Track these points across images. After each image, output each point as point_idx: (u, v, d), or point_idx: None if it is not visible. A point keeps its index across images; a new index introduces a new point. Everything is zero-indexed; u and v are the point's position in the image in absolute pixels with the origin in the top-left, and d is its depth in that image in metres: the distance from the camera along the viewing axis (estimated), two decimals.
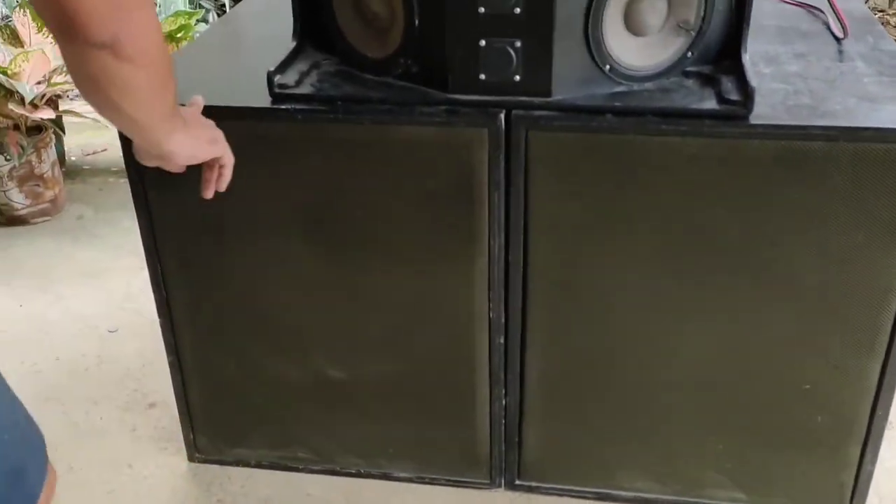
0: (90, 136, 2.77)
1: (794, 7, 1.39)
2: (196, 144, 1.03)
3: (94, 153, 2.74)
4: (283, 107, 1.11)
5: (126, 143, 1.14)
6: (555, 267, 1.15)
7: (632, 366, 1.20)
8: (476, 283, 1.17)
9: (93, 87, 0.84)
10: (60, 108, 2.26)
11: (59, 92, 2.25)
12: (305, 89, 1.13)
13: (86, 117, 2.17)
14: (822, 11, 1.35)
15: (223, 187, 1.11)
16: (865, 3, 2.64)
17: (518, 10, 1.02)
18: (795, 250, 1.07)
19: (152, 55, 0.84)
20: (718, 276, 1.11)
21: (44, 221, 2.25)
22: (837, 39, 1.25)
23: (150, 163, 1.05)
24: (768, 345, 1.15)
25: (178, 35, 2.35)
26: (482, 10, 1.03)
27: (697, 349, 1.17)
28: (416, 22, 1.08)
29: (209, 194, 1.11)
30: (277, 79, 1.13)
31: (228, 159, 1.09)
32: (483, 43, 1.05)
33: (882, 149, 0.99)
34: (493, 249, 1.14)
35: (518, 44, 1.05)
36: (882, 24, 2.54)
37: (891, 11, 2.67)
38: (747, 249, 1.08)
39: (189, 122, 1.02)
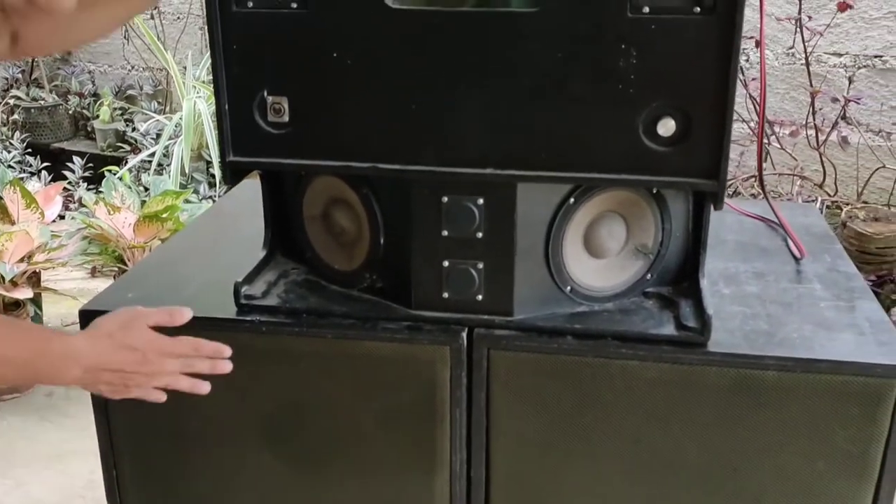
0: (69, 306, 2.78)
1: (754, 220, 1.44)
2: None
3: (73, 323, 2.74)
4: (249, 318, 1.12)
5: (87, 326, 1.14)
6: (517, 484, 1.13)
7: None
8: (437, 498, 1.14)
9: None
10: (42, 284, 2.28)
11: (40, 268, 2.28)
12: (272, 300, 1.14)
13: (65, 294, 2.19)
14: (781, 226, 1.39)
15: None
16: (825, 210, 2.74)
17: (480, 235, 1.06)
18: (758, 477, 1.06)
19: None
20: (683, 499, 1.09)
21: (12, 398, 2.22)
22: (796, 259, 1.28)
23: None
24: None
25: (164, 215, 2.41)
26: (445, 232, 1.06)
27: None
28: (382, 240, 1.11)
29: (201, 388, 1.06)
30: (244, 290, 1.14)
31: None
32: (446, 263, 1.08)
33: (838, 381, 0.99)
34: (455, 465, 1.12)
35: (480, 265, 1.07)
36: (850, 217, 2.61)
37: (858, 205, 2.77)
38: (710, 473, 1.07)
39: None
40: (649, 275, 1.12)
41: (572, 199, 1.05)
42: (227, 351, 1.07)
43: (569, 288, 1.10)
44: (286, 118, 1.05)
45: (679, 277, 1.14)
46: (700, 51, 0.94)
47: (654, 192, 1.07)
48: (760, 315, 1.11)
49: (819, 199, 2.84)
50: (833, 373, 0.99)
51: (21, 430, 2.08)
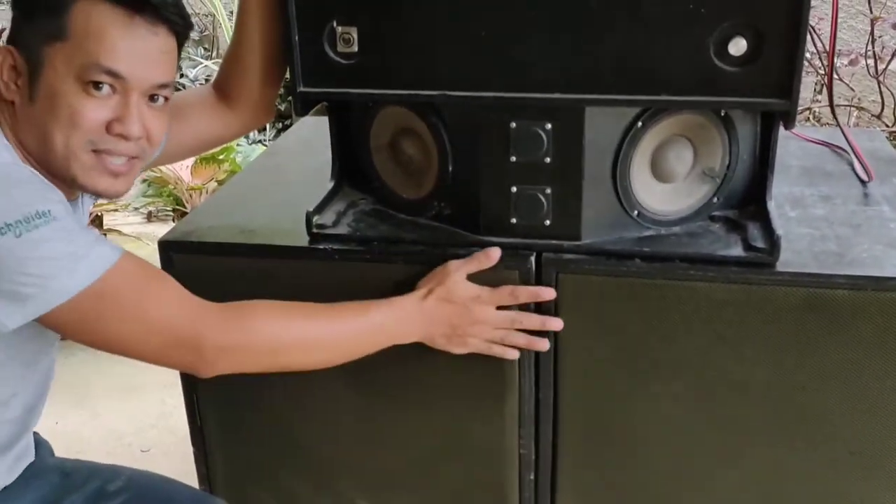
0: (132, 247, 2.85)
1: (818, 146, 1.42)
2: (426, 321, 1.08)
3: None
4: (321, 247, 1.15)
5: (165, 256, 1.19)
6: (585, 406, 1.16)
7: None
8: (507, 420, 1.18)
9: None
10: (105, 227, 2.34)
11: (103, 211, 2.34)
12: (342, 229, 1.17)
13: (129, 235, 2.25)
14: (846, 151, 1.38)
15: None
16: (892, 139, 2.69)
17: (548, 160, 1.07)
18: (826, 396, 1.07)
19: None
20: (750, 419, 1.11)
21: None
22: (863, 182, 1.27)
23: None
24: (802, 490, 1.13)
25: (220, 157, 2.44)
26: (514, 158, 1.08)
27: (730, 493, 1.15)
28: (450, 167, 1.12)
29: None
30: (316, 219, 1.17)
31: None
32: (515, 189, 1.09)
33: None
34: (524, 388, 1.15)
35: (548, 191, 1.08)
36: None
37: None
38: (778, 394, 1.08)
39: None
40: (716, 198, 1.13)
41: (640, 123, 1.06)
42: (547, 293, 1.08)
43: (636, 212, 1.11)
44: (355, 48, 1.06)
45: (746, 201, 1.14)
46: None
47: (722, 114, 1.07)
48: (829, 236, 1.11)
49: (877, 130, 2.78)
50: None
51: (93, 364, 2.17)
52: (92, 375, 2.12)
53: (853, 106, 2.87)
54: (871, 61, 2.74)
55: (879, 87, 2.77)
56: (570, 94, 1.03)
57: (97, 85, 0.96)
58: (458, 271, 1.07)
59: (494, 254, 1.07)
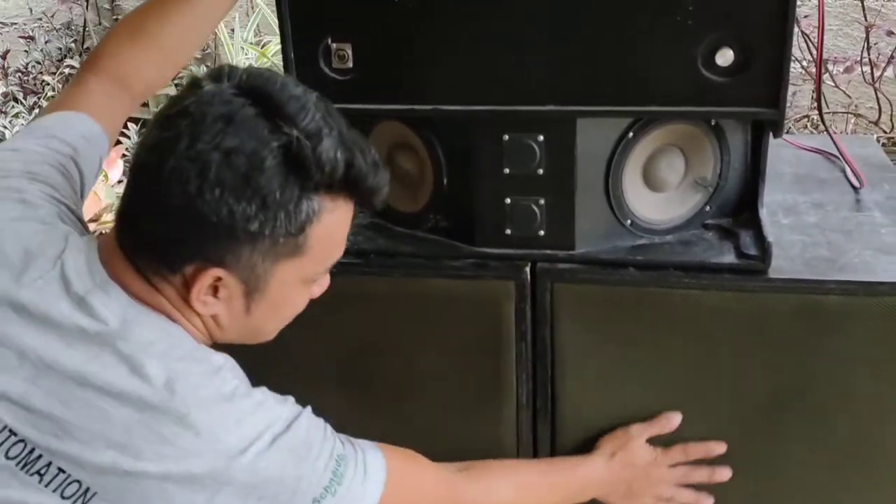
0: None
1: (811, 154, 1.43)
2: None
3: None
4: None
5: None
6: (582, 414, 1.17)
7: None
8: (505, 429, 1.19)
9: None
10: None
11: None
12: None
13: None
14: (838, 158, 1.39)
15: None
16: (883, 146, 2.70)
17: (541, 171, 1.08)
18: (821, 400, 1.08)
19: None
20: (746, 424, 1.12)
21: None
22: (854, 188, 1.29)
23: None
24: (801, 494, 1.14)
25: None
26: (507, 170, 1.09)
27: (728, 497, 1.16)
28: (445, 180, 1.14)
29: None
30: None
31: None
32: (509, 201, 1.11)
33: None
34: (521, 397, 1.16)
35: (542, 201, 1.10)
36: None
37: None
38: (774, 398, 1.10)
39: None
40: (708, 207, 1.14)
41: (631, 134, 1.07)
42: (718, 448, 1.12)
43: (629, 221, 1.12)
44: (350, 64, 1.08)
45: (738, 209, 1.15)
46: None
47: (713, 123, 1.09)
48: (821, 243, 1.12)
49: (875, 136, 2.80)
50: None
51: None
52: None
53: (850, 113, 2.88)
54: (866, 68, 2.75)
55: (875, 94, 2.78)
56: (561, 106, 1.04)
57: None
58: (640, 436, 1.12)
59: (676, 419, 1.12)
